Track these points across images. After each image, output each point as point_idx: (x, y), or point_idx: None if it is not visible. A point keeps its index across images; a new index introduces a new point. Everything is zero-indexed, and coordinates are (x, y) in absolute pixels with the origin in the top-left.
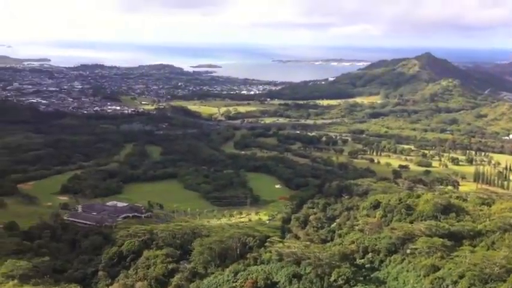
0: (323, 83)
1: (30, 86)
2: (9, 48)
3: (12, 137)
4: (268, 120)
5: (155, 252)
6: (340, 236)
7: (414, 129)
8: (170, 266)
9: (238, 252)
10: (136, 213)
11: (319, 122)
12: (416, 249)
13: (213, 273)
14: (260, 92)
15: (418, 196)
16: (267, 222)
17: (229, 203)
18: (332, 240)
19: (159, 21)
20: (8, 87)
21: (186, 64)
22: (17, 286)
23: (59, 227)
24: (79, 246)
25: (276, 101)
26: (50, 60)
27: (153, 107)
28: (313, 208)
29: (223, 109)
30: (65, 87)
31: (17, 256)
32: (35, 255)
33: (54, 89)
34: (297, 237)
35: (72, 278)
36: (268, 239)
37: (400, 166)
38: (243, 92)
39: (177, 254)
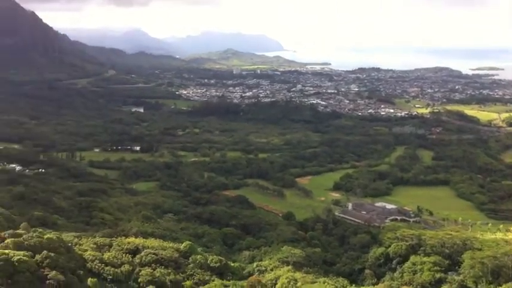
0: None
1: (311, 88)
2: (294, 53)
3: (293, 134)
4: None
5: (422, 258)
6: None
7: None
8: (437, 275)
9: None
10: (404, 217)
11: None
12: None
13: None
14: None
15: None
16: None
17: (506, 216)
18: None
19: (435, 21)
20: (292, 89)
21: (465, 67)
22: (290, 272)
23: (331, 221)
24: (348, 242)
25: None
26: (330, 64)
27: (427, 111)
28: None
29: (504, 115)
30: (343, 89)
31: (292, 244)
32: (307, 245)
33: (332, 91)
34: None
35: (340, 271)
36: None
37: None
38: None
39: (445, 264)
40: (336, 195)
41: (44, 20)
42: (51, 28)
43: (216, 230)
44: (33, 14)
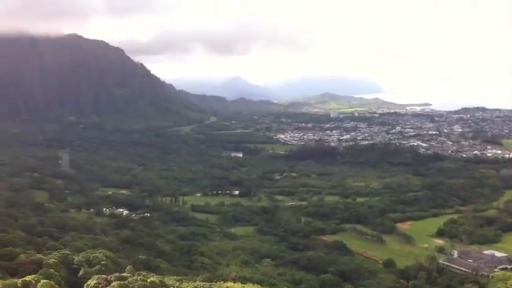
0: None
1: (411, 130)
2: (393, 95)
3: (393, 177)
4: None
5: None
6: None
7: None
8: None
9: None
10: None
11: None
12: None
13: None
14: None
15: None
16: None
17: None
18: None
19: None
20: (391, 131)
21: None
22: None
23: (435, 270)
24: None
25: None
26: (431, 104)
27: None
28: None
29: None
30: (445, 130)
31: None
32: None
33: (434, 132)
34: None
35: None
36: None
37: None
38: None
39: None
40: (439, 241)
41: (152, 71)
42: (158, 78)
43: (314, 276)
44: (142, 66)
